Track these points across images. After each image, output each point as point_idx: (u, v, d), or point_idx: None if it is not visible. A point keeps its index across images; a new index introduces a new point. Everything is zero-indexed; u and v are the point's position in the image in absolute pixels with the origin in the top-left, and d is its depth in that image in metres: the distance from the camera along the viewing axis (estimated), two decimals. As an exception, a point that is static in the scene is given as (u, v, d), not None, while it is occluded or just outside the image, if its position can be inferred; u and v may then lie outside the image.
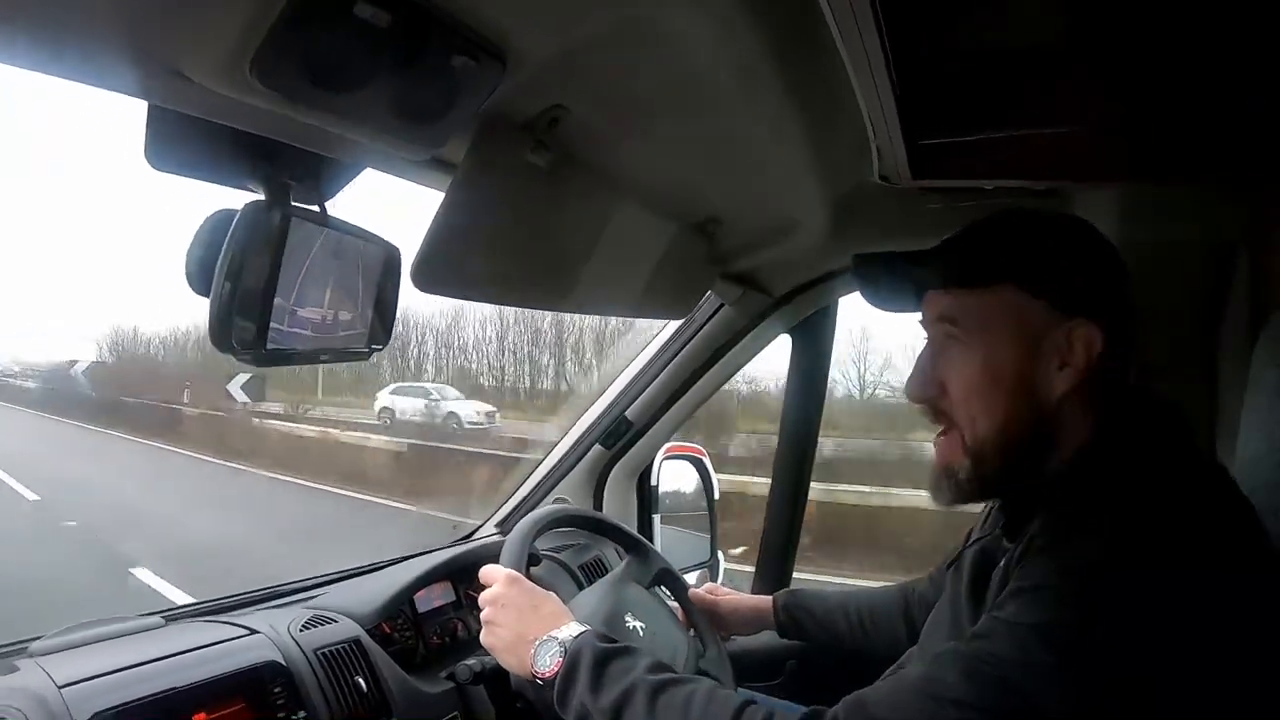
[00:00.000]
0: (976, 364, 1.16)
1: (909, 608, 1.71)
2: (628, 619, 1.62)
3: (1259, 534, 1.04)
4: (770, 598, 1.90)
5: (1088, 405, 1.13)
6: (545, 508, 1.75)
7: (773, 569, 2.49)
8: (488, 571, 1.48)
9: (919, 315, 1.25)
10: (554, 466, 2.46)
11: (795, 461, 2.47)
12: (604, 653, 1.25)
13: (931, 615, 1.34)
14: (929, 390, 1.21)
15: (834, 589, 1.94)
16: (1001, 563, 1.14)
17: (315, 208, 1.10)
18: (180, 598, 6.28)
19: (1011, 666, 0.97)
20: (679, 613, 1.89)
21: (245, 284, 0.97)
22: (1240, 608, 0.96)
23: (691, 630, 1.86)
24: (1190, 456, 1.11)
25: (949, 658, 1.03)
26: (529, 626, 1.35)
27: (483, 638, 1.41)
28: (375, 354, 1.22)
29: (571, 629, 1.33)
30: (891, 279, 1.29)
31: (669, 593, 1.93)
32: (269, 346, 1.00)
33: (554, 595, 1.44)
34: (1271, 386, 1.15)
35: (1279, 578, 1.01)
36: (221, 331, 0.96)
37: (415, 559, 2.01)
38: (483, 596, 1.44)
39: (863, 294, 1.33)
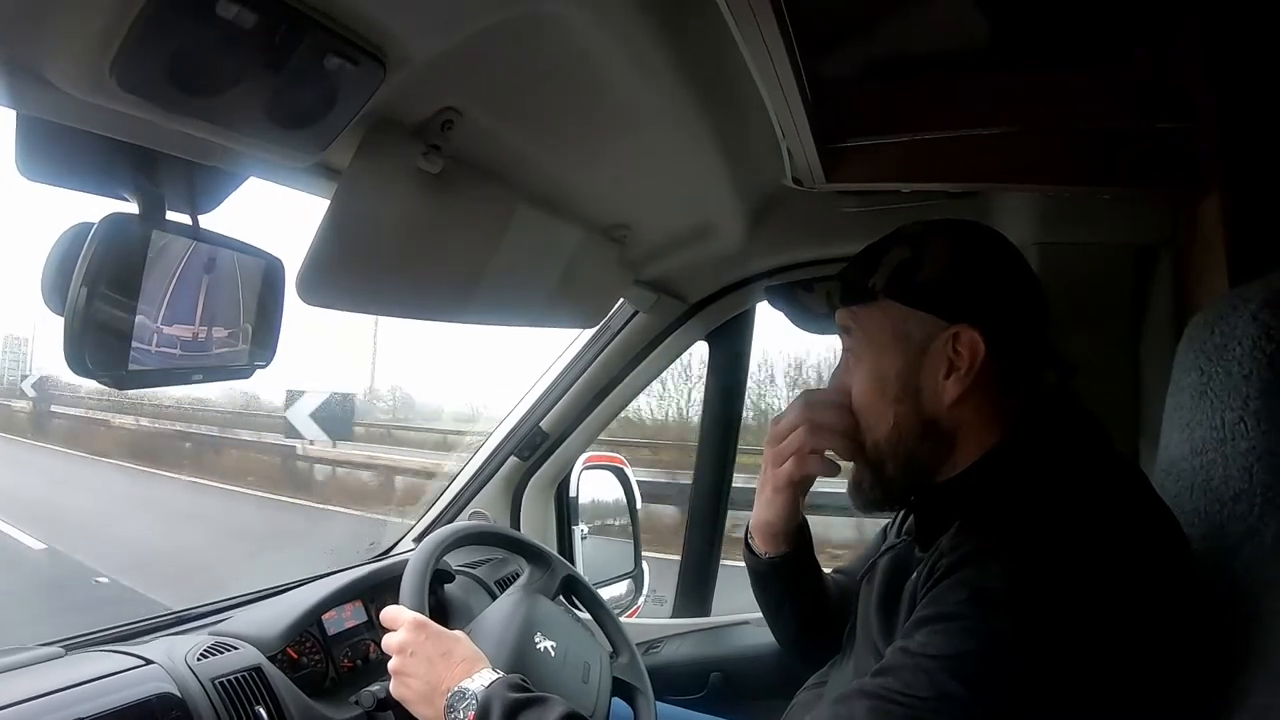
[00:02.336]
0: (865, 376, 1.19)
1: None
2: (537, 639, 1.57)
3: (1171, 539, 1.03)
4: None
5: (985, 410, 1.14)
6: (439, 531, 1.69)
7: (695, 580, 2.48)
8: (391, 615, 1.44)
9: None
10: (470, 480, 2.41)
11: (715, 470, 2.46)
12: (514, 704, 1.24)
13: (858, 627, 1.31)
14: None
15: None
16: (913, 575, 1.13)
17: (187, 219, 1.04)
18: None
19: (924, 704, 0.95)
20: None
21: (102, 300, 0.91)
22: (1149, 620, 0.95)
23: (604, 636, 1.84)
24: (1100, 460, 1.11)
25: (856, 697, 1.01)
26: (440, 676, 1.33)
27: (393, 689, 1.38)
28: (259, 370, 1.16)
29: (484, 677, 1.31)
30: (796, 305, 1.31)
31: (578, 601, 1.89)
32: (131, 367, 0.94)
33: (463, 637, 1.41)
34: (1192, 388, 1.15)
35: (1190, 586, 1.00)
36: (76, 352, 0.89)
37: (326, 578, 1.93)
38: (389, 643, 1.40)
39: (788, 318, 1.33)
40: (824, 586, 1.49)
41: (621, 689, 1.72)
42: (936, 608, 0.99)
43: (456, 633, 1.41)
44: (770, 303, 1.34)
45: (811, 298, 1.27)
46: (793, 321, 1.33)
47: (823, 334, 1.31)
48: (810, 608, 1.48)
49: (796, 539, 1.42)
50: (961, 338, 1.11)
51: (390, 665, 1.38)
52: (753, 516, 1.42)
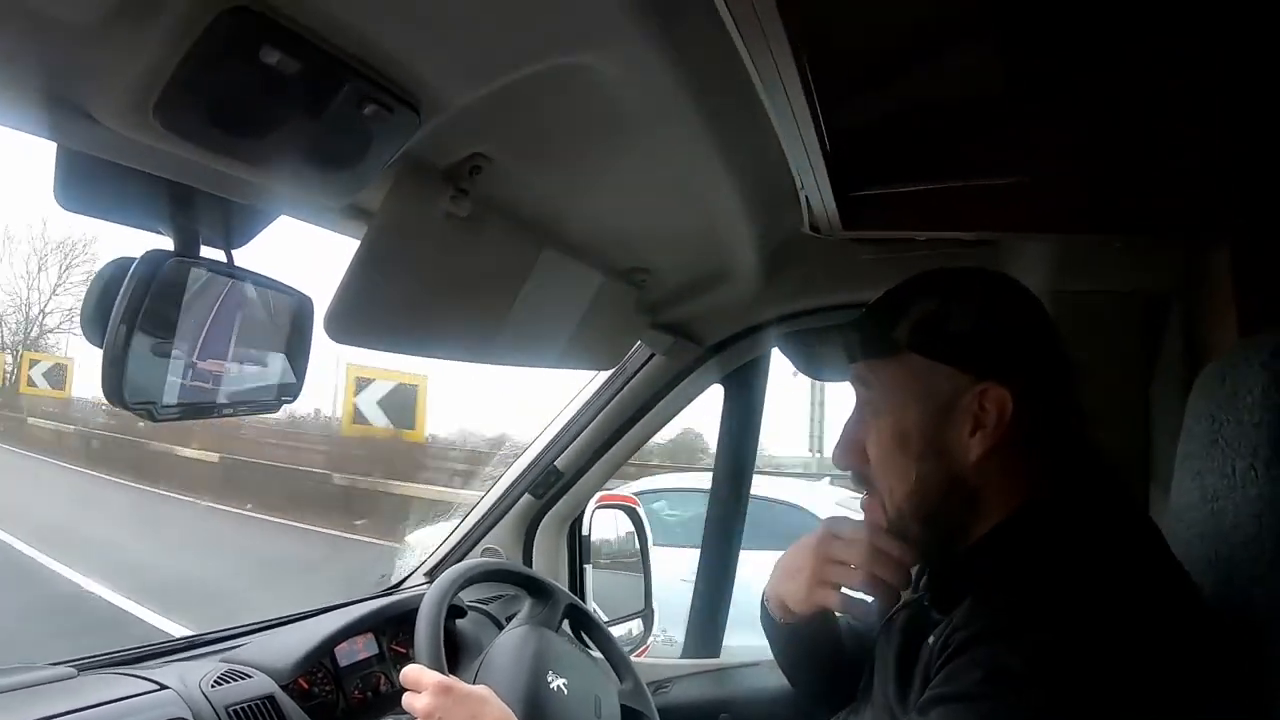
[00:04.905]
0: (887, 430, 1.15)
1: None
2: (550, 679, 1.57)
3: (1191, 605, 1.01)
4: None
5: (1010, 469, 1.12)
6: (443, 578, 1.65)
7: (705, 627, 2.46)
8: (412, 676, 1.39)
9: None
10: (483, 516, 2.40)
11: (727, 512, 2.44)
12: None
13: (875, 681, 1.28)
14: (851, 456, 1.20)
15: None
16: (930, 640, 1.10)
17: (223, 255, 1.07)
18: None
19: None
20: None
21: (140, 335, 0.93)
22: (1167, 694, 0.93)
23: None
24: (1117, 529, 1.08)
25: None
26: None
27: None
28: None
29: None
30: (809, 354, 1.30)
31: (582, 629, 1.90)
32: (165, 400, 0.97)
33: (490, 696, 1.38)
34: (1204, 436, 1.15)
35: (1212, 655, 0.98)
36: (113, 384, 0.91)
37: (338, 610, 1.94)
38: (412, 706, 1.36)
39: (796, 367, 1.33)
40: (841, 640, 1.46)
41: (629, 716, 1.73)
42: (952, 686, 0.98)
43: (481, 689, 1.39)
44: (782, 350, 1.33)
45: (827, 348, 1.25)
46: (801, 370, 1.32)
47: (831, 381, 1.29)
48: (827, 662, 1.45)
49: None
50: (990, 395, 1.09)
51: None
52: (770, 588, 1.38)
